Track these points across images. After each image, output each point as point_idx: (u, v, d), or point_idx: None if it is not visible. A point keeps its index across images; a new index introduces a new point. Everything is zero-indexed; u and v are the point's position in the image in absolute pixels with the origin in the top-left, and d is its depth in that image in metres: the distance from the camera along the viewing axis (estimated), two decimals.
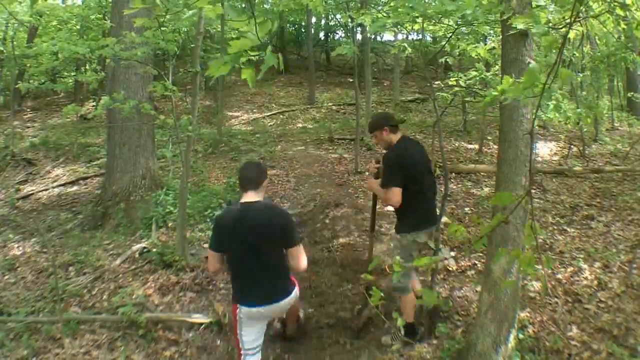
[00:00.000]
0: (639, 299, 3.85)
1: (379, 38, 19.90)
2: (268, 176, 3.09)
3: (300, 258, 2.89)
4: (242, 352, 2.98)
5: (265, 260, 2.84)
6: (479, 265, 4.66)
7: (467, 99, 9.14)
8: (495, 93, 1.55)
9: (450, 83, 7.13)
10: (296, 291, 3.08)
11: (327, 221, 5.82)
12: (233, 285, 3.01)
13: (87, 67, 12.81)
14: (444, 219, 5.42)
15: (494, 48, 5.30)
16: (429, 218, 3.57)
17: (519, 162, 3.09)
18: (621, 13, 3.69)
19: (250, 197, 2.86)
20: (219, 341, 3.71)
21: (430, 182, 3.63)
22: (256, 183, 2.89)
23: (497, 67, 5.86)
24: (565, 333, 3.54)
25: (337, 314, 4.10)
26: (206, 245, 5.26)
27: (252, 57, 1.67)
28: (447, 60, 7.15)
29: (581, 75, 8.72)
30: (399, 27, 4.40)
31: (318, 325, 3.99)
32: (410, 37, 10.50)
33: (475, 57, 5.55)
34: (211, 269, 3.01)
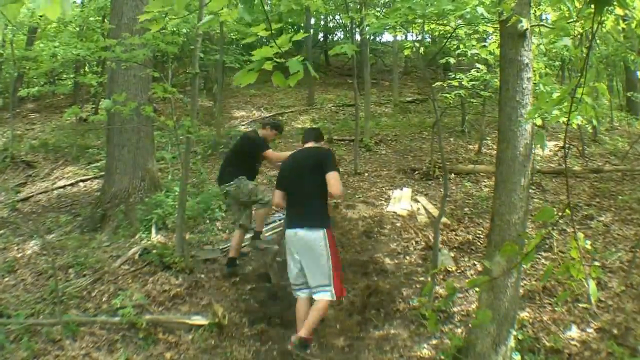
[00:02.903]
0: (639, 298, 3.85)
1: (378, 39, 19.87)
2: (325, 140, 3.98)
3: (333, 184, 3.35)
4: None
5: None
6: (478, 265, 4.66)
7: (471, 99, 9.12)
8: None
9: (453, 84, 7.11)
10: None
11: None
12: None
13: (87, 69, 12.79)
14: (443, 219, 5.42)
15: (484, 46, 5.28)
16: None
17: (517, 162, 3.09)
18: (621, 13, 3.70)
19: (308, 145, 3.74)
20: (218, 343, 3.71)
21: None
22: (315, 137, 3.80)
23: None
24: (565, 333, 3.54)
25: (337, 314, 4.09)
26: (206, 247, 5.32)
27: (278, 62, 1.67)
28: (448, 60, 7.14)
29: (580, 75, 8.70)
30: (398, 28, 4.40)
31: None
32: (409, 37, 10.52)
33: (476, 57, 5.54)
34: (274, 201, 3.76)
